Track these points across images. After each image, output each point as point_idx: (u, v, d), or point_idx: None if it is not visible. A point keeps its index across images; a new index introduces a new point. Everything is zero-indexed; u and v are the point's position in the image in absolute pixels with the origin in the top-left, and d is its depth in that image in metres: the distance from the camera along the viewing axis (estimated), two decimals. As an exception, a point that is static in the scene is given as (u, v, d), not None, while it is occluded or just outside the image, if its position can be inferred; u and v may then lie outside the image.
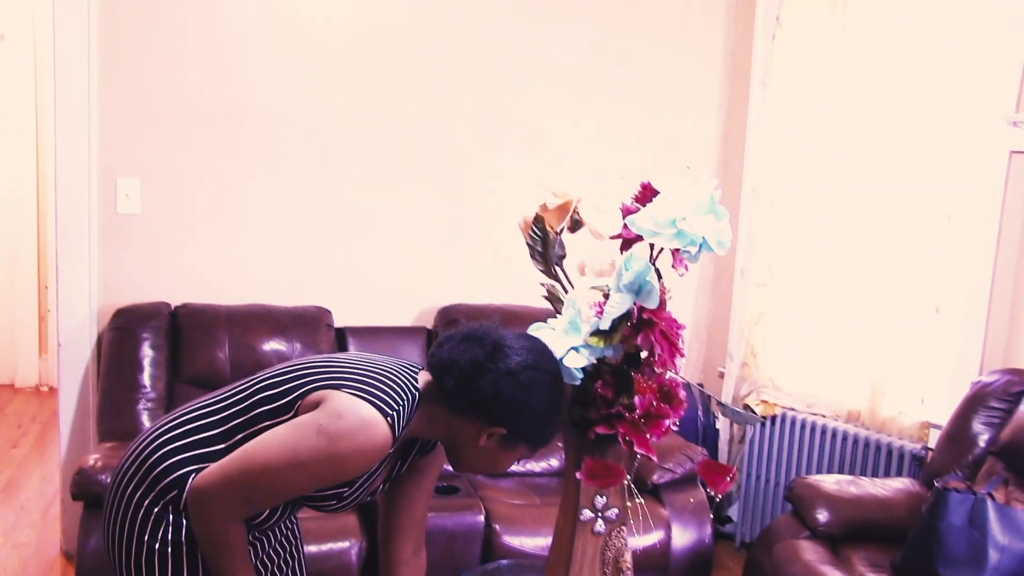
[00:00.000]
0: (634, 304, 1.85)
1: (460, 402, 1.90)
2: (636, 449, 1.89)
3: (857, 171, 4.10)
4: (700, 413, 4.44)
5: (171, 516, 1.93)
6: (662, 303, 1.87)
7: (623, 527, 2.11)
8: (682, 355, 1.93)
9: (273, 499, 1.92)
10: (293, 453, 1.81)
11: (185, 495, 1.91)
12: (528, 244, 2.16)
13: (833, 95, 4.18)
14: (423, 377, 1.99)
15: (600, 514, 2.07)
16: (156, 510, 1.93)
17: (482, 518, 3.46)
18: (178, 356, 3.80)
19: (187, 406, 2.08)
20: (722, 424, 4.59)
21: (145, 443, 2.00)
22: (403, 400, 1.89)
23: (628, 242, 1.97)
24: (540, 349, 1.92)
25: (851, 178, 4.13)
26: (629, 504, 2.07)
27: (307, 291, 4.13)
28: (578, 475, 1.95)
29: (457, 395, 1.89)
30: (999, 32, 3.60)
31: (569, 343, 1.90)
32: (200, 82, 3.97)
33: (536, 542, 3.43)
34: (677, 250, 1.87)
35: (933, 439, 3.67)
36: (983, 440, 3.35)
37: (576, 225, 2.11)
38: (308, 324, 3.98)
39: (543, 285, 2.15)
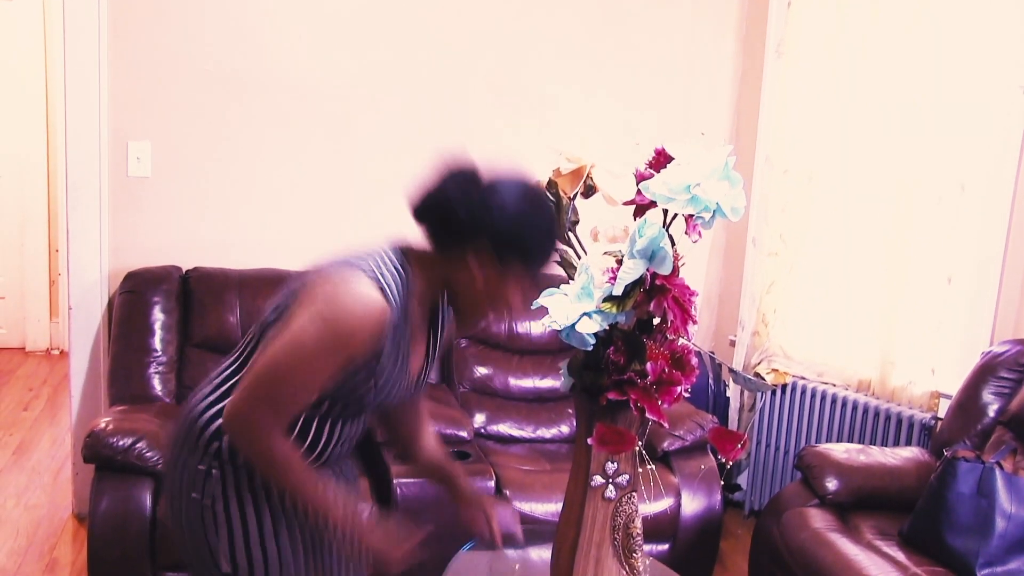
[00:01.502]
0: (647, 270, 1.84)
1: (436, 229, 1.92)
2: (647, 415, 1.88)
3: (870, 140, 4.07)
4: (711, 381, 4.45)
5: (216, 469, 1.94)
6: (675, 269, 1.86)
7: (633, 493, 2.11)
8: (694, 322, 1.92)
9: (298, 397, 1.86)
10: (299, 343, 1.80)
11: (224, 436, 1.92)
12: (542, 209, 2.14)
13: (847, 64, 4.14)
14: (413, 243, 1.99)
15: (611, 480, 2.07)
16: (202, 467, 1.95)
17: (492, 483, 3.47)
18: (189, 320, 3.81)
19: (217, 368, 2.10)
20: (732, 392, 4.59)
21: (188, 416, 2.03)
22: (388, 266, 1.89)
23: (642, 208, 1.96)
24: (508, 170, 1.95)
25: (864, 147, 4.10)
26: (640, 470, 2.07)
27: (318, 254, 4.11)
28: (589, 441, 1.95)
29: (431, 222, 1.92)
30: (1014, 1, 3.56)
31: (582, 309, 1.90)
32: (212, 44, 3.96)
33: (546, 508, 3.44)
34: (691, 216, 1.86)
35: (943, 409, 3.67)
36: (992, 410, 3.34)
37: (589, 191, 2.10)
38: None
39: (556, 251, 2.14)
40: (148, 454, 3.19)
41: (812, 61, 4.28)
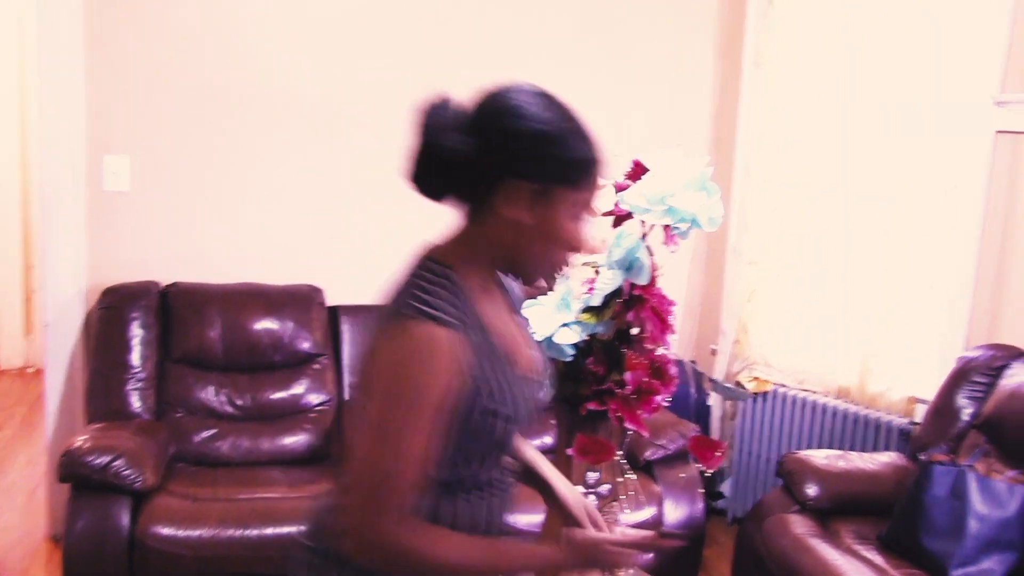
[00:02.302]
0: (625, 281, 1.86)
1: (449, 190, 1.59)
2: (627, 425, 1.90)
3: (848, 150, 4.11)
4: (692, 390, 4.46)
5: None
6: (652, 280, 1.88)
7: (615, 503, 2.12)
8: (672, 331, 1.94)
9: (408, 482, 1.46)
10: (376, 427, 1.46)
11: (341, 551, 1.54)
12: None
13: (824, 74, 4.18)
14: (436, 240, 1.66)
15: (592, 490, 2.09)
16: None
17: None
18: (169, 335, 3.79)
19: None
20: (714, 401, 4.62)
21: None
22: (426, 282, 1.55)
23: (619, 219, 1.98)
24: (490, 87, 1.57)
25: (843, 157, 4.13)
26: (620, 480, 2.08)
27: (299, 269, 4.12)
28: (569, 451, 1.96)
29: (440, 184, 1.59)
30: (985, 12, 3.61)
31: (561, 319, 1.91)
32: (192, 57, 3.95)
33: (530, 519, 3.42)
34: (668, 227, 1.88)
35: (920, 414, 3.70)
36: (967, 414, 3.38)
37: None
38: (300, 302, 3.98)
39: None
40: (126, 472, 3.17)
41: (790, 71, 4.32)
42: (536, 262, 1.57)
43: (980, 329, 3.66)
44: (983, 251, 3.65)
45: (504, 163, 1.49)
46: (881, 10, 3.96)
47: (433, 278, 1.54)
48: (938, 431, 3.42)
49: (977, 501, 3.00)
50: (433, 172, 1.55)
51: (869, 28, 4.01)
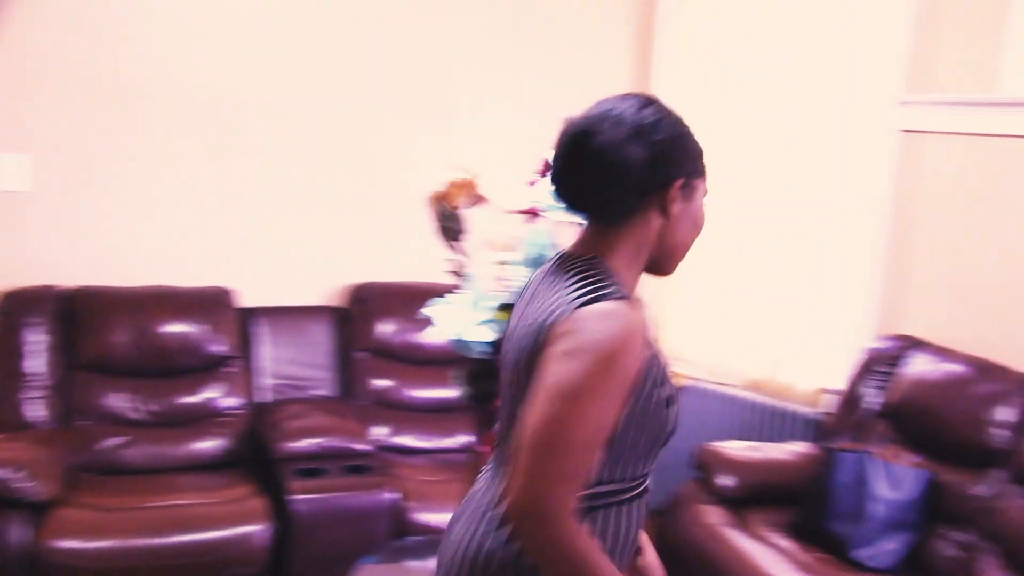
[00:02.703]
0: (537, 278, 1.87)
1: (614, 199, 1.57)
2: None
3: (758, 147, 4.19)
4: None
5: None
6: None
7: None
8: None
9: (587, 456, 1.48)
10: (567, 387, 1.44)
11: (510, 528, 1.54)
12: (433, 220, 2.17)
13: (734, 73, 4.25)
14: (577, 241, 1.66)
15: (508, 486, 2.09)
16: None
17: (393, 495, 3.47)
18: (75, 341, 3.71)
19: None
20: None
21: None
22: (596, 267, 1.57)
23: (531, 216, 2.00)
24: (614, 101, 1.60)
25: (753, 154, 4.21)
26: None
27: (211, 271, 4.05)
28: (483, 448, 1.97)
29: (607, 196, 1.57)
30: (890, 16, 3.71)
31: (473, 318, 1.92)
32: (99, 55, 3.85)
33: (447, 517, 3.43)
34: (579, 223, 1.90)
35: (830, 404, 3.79)
36: (872, 403, 3.48)
37: (481, 201, 2.13)
38: (212, 305, 3.92)
39: (449, 261, 2.17)
40: (22, 485, 3.08)
41: (699, 71, 4.38)
42: (680, 251, 1.65)
43: (887, 321, 3.77)
44: (889, 246, 3.75)
45: (667, 166, 1.56)
46: (790, 13, 4.05)
47: (607, 276, 1.56)
48: (846, 420, 3.51)
49: (879, 485, 3.12)
50: (612, 188, 1.56)
51: (778, 30, 4.09)
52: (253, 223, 4.14)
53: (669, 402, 1.58)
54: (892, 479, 3.11)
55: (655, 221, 1.59)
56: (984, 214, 3.45)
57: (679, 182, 1.58)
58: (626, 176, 1.54)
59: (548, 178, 1.70)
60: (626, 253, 1.60)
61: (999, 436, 3.02)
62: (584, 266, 1.57)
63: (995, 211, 3.41)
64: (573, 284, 1.53)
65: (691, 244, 1.66)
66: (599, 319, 1.46)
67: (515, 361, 1.59)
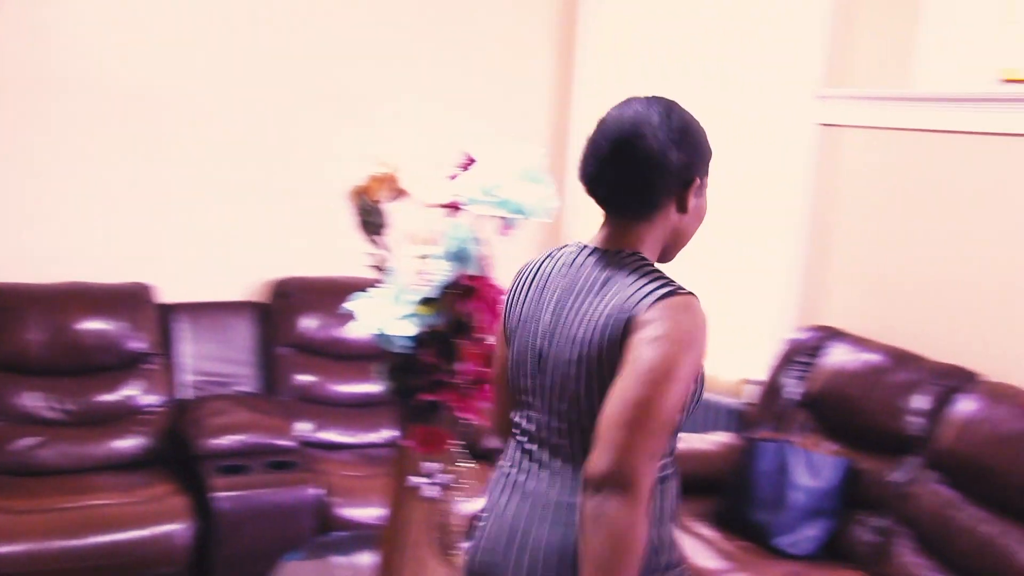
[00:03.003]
0: (458, 272, 1.87)
1: (672, 194, 1.72)
2: (463, 414, 1.91)
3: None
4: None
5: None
6: (485, 270, 1.90)
7: (453, 491, 2.14)
8: (505, 321, 1.96)
9: (670, 430, 1.63)
10: (656, 371, 1.56)
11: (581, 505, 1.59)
12: (354, 214, 2.15)
13: (655, 67, 4.30)
14: (602, 228, 1.77)
15: (430, 480, 2.10)
16: None
17: (317, 491, 3.44)
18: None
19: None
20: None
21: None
22: (646, 263, 1.71)
23: (453, 210, 2.00)
24: (641, 106, 1.75)
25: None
26: (458, 469, 2.10)
27: (130, 266, 3.97)
28: (406, 442, 1.97)
29: (672, 190, 1.71)
30: (807, 11, 3.77)
31: (395, 312, 1.91)
32: (8, 46, 3.75)
33: (372, 512, 3.43)
34: (501, 217, 1.90)
35: (752, 394, 3.84)
36: (792, 392, 3.53)
37: (401, 194, 2.12)
38: (130, 301, 3.85)
39: (370, 255, 2.15)
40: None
41: (622, 64, 4.42)
42: (685, 241, 1.82)
43: (806, 312, 3.83)
44: (809, 238, 3.82)
45: (693, 167, 1.72)
46: (710, 7, 4.10)
47: (660, 271, 1.71)
48: (767, 410, 3.57)
49: (799, 474, 3.18)
50: (653, 187, 1.70)
51: (698, 24, 4.14)
52: (173, 218, 4.08)
53: (699, 389, 1.73)
54: (812, 467, 3.18)
55: (673, 216, 1.74)
56: (900, 207, 3.53)
57: (697, 181, 1.73)
58: (667, 176, 1.69)
59: (471, 172, 1.72)
60: (651, 245, 1.74)
61: (914, 424, 3.09)
62: (637, 262, 1.70)
63: (910, 204, 3.49)
64: (640, 279, 1.66)
65: (687, 241, 1.83)
66: (682, 311, 1.61)
67: (580, 350, 1.66)
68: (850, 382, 3.30)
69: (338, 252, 4.13)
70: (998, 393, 2.94)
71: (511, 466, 1.79)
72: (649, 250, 1.74)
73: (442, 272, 1.86)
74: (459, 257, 1.85)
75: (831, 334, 3.55)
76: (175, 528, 3.22)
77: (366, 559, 2.81)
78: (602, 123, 1.74)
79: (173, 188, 4.07)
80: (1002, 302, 3.15)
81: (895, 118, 3.52)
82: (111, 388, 3.73)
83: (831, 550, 3.17)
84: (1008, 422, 2.80)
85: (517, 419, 1.80)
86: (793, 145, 3.84)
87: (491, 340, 1.98)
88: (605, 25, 4.47)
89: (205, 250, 4.14)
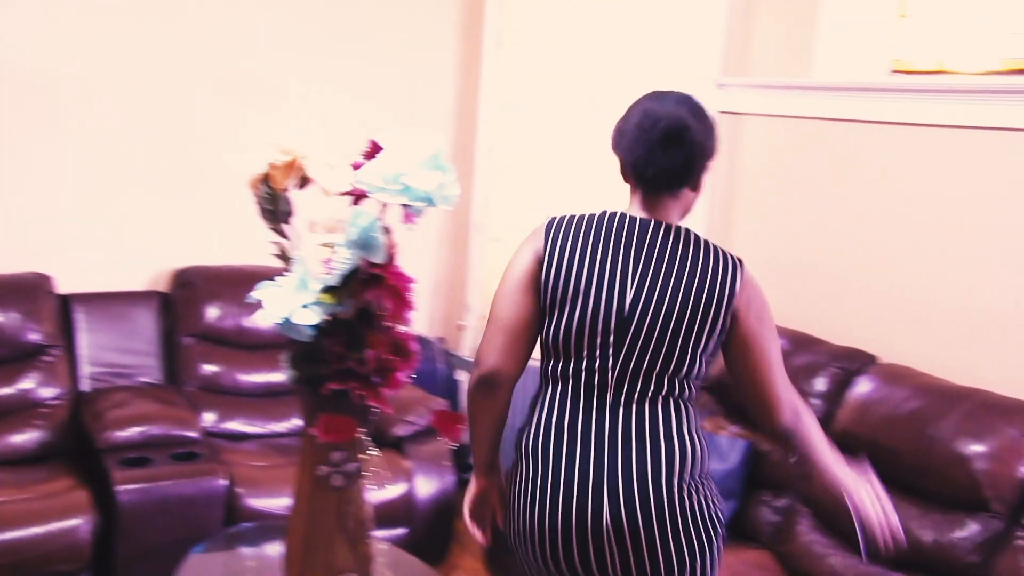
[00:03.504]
0: (362, 260, 1.87)
1: (686, 176, 2.09)
2: (370, 403, 1.91)
3: (583, 128, 4.26)
4: (440, 366, 4.53)
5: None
6: (390, 258, 1.90)
7: (361, 480, 2.14)
8: (412, 308, 1.97)
9: None
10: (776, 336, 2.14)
11: None
12: (257, 202, 2.13)
13: (561, 54, 4.33)
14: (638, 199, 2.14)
15: (338, 469, 2.09)
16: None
17: (224, 482, 3.40)
18: None
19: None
20: (463, 375, 4.70)
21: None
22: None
23: (357, 198, 1.99)
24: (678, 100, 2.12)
25: (578, 135, 4.29)
26: (365, 457, 2.10)
27: (27, 256, 3.87)
28: (313, 431, 1.96)
29: (685, 173, 2.07)
30: (706, 1, 3.84)
31: (299, 300, 1.90)
32: None
33: (280, 502, 3.40)
34: (405, 205, 1.90)
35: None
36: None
37: (305, 182, 2.10)
38: (27, 291, 3.75)
39: (273, 243, 2.14)
40: None
41: (528, 52, 4.44)
42: (689, 213, 2.19)
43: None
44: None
45: (713, 150, 2.10)
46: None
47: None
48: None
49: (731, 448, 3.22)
50: (694, 168, 2.08)
51: (602, 13, 4.17)
52: (72, 206, 3.98)
53: None
54: (715, 450, 3.23)
55: (688, 193, 2.13)
56: (799, 194, 3.62)
57: (710, 165, 2.12)
58: (706, 160, 2.09)
59: (376, 160, 1.73)
60: (678, 215, 2.14)
61: (814, 405, 3.17)
62: (696, 235, 2.10)
63: (809, 191, 3.58)
64: (717, 251, 2.08)
65: None
66: (756, 282, 2.13)
67: (690, 318, 2.01)
68: (752, 365, 3.37)
69: (243, 240, 4.08)
70: (894, 375, 3.04)
71: (575, 419, 2.07)
72: (676, 220, 2.12)
73: (346, 260, 1.86)
74: (364, 245, 1.84)
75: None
76: (76, 523, 3.16)
77: (275, 550, 2.79)
78: (645, 117, 2.07)
79: (72, 175, 3.97)
80: (898, 286, 3.26)
81: (793, 106, 3.60)
82: (8, 381, 3.63)
83: (736, 530, 3.24)
84: (903, 402, 2.89)
85: (561, 372, 2.10)
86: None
87: (400, 328, 1.99)
88: (510, 15, 4.48)
89: (106, 239, 4.06)
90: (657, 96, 2.12)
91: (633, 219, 2.09)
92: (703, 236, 2.13)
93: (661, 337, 2.01)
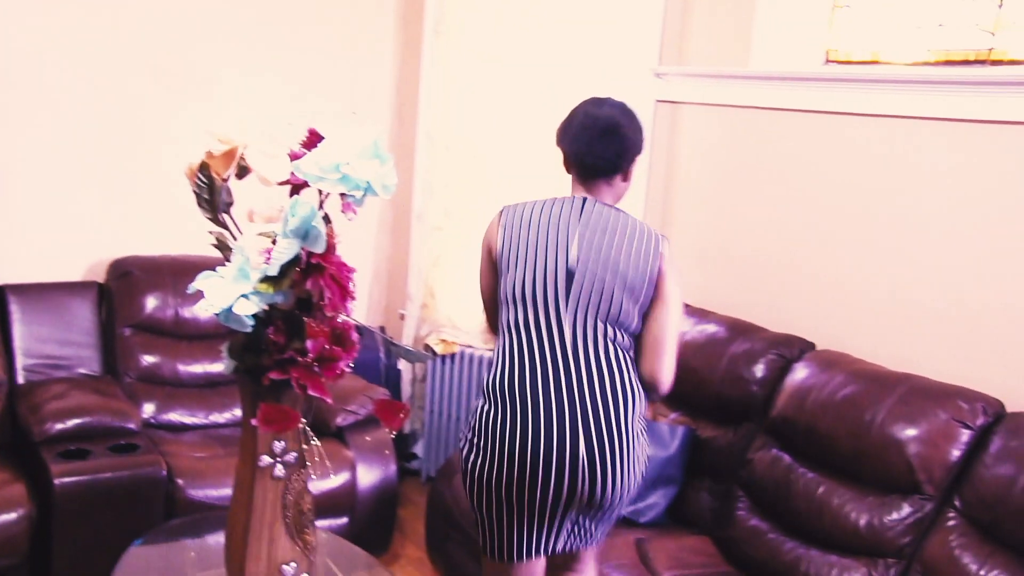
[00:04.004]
0: (302, 249, 1.86)
1: (620, 164, 2.52)
2: (310, 392, 1.91)
3: (523, 117, 4.28)
4: (382, 355, 4.52)
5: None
6: (330, 247, 1.89)
7: (303, 470, 2.14)
8: (353, 298, 1.96)
9: None
10: (680, 307, 2.54)
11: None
12: (195, 192, 2.11)
13: (500, 43, 4.32)
14: (581, 188, 2.55)
15: (278, 459, 2.09)
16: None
17: (164, 474, 3.37)
18: None
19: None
20: (404, 364, 4.70)
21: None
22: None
23: (296, 188, 1.98)
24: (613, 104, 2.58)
25: (518, 124, 4.30)
26: (306, 447, 2.09)
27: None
28: (253, 422, 1.95)
29: (620, 162, 2.51)
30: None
31: (239, 290, 1.89)
32: None
33: (221, 493, 3.38)
34: (343, 195, 1.90)
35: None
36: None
37: (243, 172, 2.09)
38: (-42, 283, 3.69)
39: (212, 233, 2.12)
40: None
41: (469, 40, 4.43)
42: (620, 200, 2.60)
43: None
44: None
45: (640, 147, 2.56)
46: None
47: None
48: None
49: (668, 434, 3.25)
50: (625, 159, 2.52)
51: (539, 1, 4.18)
52: (5, 196, 3.90)
53: None
54: (655, 437, 3.25)
55: (619, 182, 2.55)
56: (736, 182, 3.67)
57: (637, 160, 2.56)
58: (635, 153, 2.54)
59: (315, 150, 1.73)
60: (612, 199, 2.55)
61: (752, 391, 3.23)
62: (627, 215, 2.50)
63: (746, 179, 3.63)
64: (642, 226, 2.48)
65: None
66: (674, 260, 2.49)
67: (623, 274, 2.41)
68: (692, 353, 3.40)
69: (182, 230, 4.04)
70: (830, 361, 3.09)
71: (539, 365, 2.41)
72: (611, 202, 2.53)
73: (285, 250, 1.85)
74: (303, 235, 1.84)
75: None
76: (13, 517, 3.11)
77: (216, 541, 2.77)
78: (587, 117, 2.52)
79: (6, 164, 3.89)
80: (835, 274, 3.32)
81: (730, 96, 3.64)
82: (-61, 374, 3.56)
83: (677, 516, 3.28)
84: (839, 388, 2.94)
85: (519, 321, 2.45)
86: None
87: (341, 318, 1.99)
88: (449, 2, 4.47)
89: (41, 229, 3.98)
90: (596, 102, 2.55)
91: (573, 198, 2.52)
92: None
93: (600, 285, 2.40)
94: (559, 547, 2.49)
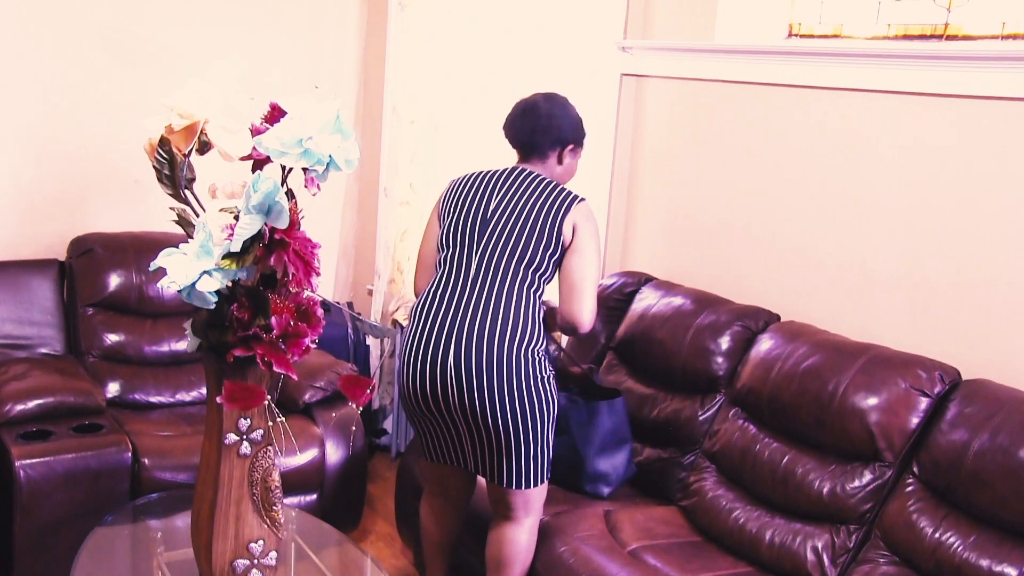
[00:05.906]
0: (265, 225, 1.85)
1: (552, 146, 2.92)
2: (276, 369, 1.90)
3: (488, 91, 4.26)
4: (350, 331, 4.51)
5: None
6: (294, 223, 1.88)
7: (269, 448, 2.13)
8: (317, 273, 1.96)
9: None
10: (596, 255, 2.88)
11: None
12: (155, 168, 2.09)
13: (464, 17, 4.30)
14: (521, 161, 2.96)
15: (244, 436, 2.08)
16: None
17: (129, 454, 3.35)
18: None
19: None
20: (372, 340, 4.69)
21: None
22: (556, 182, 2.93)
23: (259, 163, 1.97)
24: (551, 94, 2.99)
25: (483, 98, 4.28)
26: (272, 424, 2.09)
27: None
28: (219, 399, 1.94)
29: (552, 144, 2.92)
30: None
31: (201, 267, 1.88)
32: None
33: (188, 472, 3.37)
34: (306, 169, 1.89)
35: (563, 340, 3.94)
36: (603, 337, 3.65)
37: (204, 147, 2.07)
38: (-84, 263, 3.63)
39: (173, 209, 2.10)
40: None
41: (432, 14, 4.40)
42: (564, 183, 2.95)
43: (614, 258, 3.95)
44: (614, 185, 3.93)
45: (572, 135, 2.96)
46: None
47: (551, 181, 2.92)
48: (582, 354, 3.67)
49: (604, 410, 3.24)
50: (555, 141, 2.92)
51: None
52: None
53: None
54: (611, 408, 3.24)
55: (553, 165, 2.95)
56: (702, 155, 3.67)
57: (571, 146, 2.97)
58: (564, 138, 2.92)
59: (278, 125, 1.72)
60: (546, 175, 2.92)
61: (718, 363, 3.24)
62: (550, 180, 2.89)
63: (711, 152, 3.64)
64: (559, 188, 2.87)
65: (567, 181, 3.01)
66: (591, 214, 2.88)
67: (532, 223, 2.79)
68: (659, 325, 3.42)
69: (144, 207, 4.01)
70: (793, 332, 3.12)
71: (445, 292, 2.80)
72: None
73: (247, 226, 1.83)
74: (266, 210, 1.83)
75: (642, 279, 3.67)
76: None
77: (183, 521, 2.76)
78: (519, 102, 2.95)
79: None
80: (799, 245, 3.34)
81: (695, 69, 3.64)
82: (-102, 355, 3.52)
83: (644, 487, 3.31)
84: (802, 359, 2.97)
85: (441, 261, 2.87)
86: (598, 95, 3.92)
87: (306, 294, 1.99)
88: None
89: (-1, 206, 3.94)
90: (534, 94, 2.97)
91: (507, 167, 2.92)
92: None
93: (510, 233, 2.79)
94: (471, 465, 2.84)
